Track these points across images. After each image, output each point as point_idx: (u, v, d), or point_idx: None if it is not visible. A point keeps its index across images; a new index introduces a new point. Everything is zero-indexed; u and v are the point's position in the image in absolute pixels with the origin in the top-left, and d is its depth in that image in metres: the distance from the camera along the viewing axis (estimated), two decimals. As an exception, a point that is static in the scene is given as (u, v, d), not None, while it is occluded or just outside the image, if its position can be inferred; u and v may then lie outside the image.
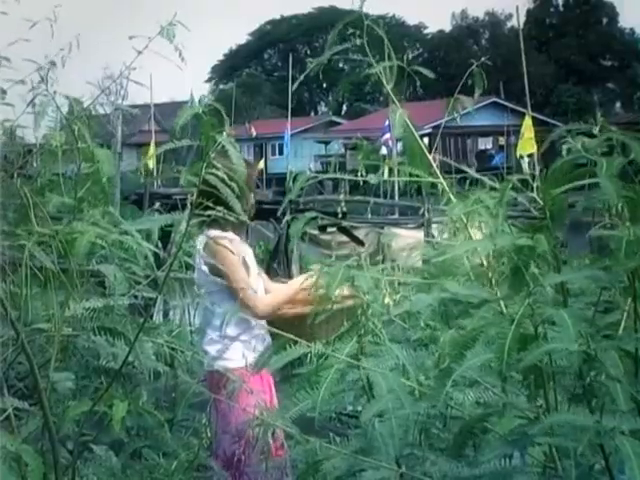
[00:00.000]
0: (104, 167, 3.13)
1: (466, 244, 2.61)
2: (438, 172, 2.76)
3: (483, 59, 3.08)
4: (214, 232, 3.99)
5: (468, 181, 2.76)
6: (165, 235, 3.53)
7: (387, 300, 2.63)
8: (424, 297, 2.65)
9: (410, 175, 2.73)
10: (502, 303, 2.43)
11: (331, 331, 2.84)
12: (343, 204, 9.93)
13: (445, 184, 2.72)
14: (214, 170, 2.60)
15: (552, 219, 2.38)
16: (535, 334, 2.25)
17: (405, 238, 11.58)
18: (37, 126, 3.10)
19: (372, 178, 2.78)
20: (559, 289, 2.41)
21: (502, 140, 43.92)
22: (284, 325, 3.30)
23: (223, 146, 2.56)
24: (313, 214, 2.89)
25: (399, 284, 2.77)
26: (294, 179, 2.90)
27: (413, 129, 2.79)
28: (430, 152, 2.83)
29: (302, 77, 3.01)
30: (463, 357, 2.28)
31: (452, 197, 2.69)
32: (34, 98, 3.08)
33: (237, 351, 3.96)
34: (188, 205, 2.63)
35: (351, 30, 2.81)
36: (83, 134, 3.04)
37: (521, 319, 2.23)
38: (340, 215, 11.44)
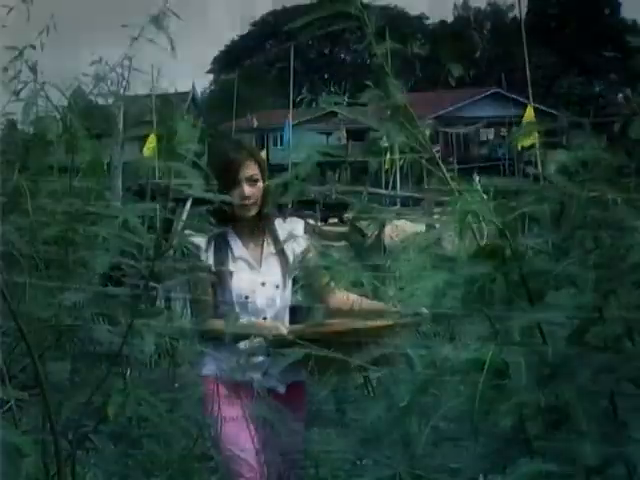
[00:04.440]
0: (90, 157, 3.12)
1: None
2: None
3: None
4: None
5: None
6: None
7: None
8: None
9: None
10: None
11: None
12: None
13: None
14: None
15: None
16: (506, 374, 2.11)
17: (405, 232, 11.49)
18: (25, 116, 3.10)
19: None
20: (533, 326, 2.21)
21: (504, 131, 43.71)
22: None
23: (222, 136, 2.59)
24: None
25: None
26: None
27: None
28: (431, 143, 2.78)
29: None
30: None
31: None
32: (22, 88, 3.07)
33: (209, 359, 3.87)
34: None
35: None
36: (73, 124, 3.03)
37: (490, 365, 2.08)
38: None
